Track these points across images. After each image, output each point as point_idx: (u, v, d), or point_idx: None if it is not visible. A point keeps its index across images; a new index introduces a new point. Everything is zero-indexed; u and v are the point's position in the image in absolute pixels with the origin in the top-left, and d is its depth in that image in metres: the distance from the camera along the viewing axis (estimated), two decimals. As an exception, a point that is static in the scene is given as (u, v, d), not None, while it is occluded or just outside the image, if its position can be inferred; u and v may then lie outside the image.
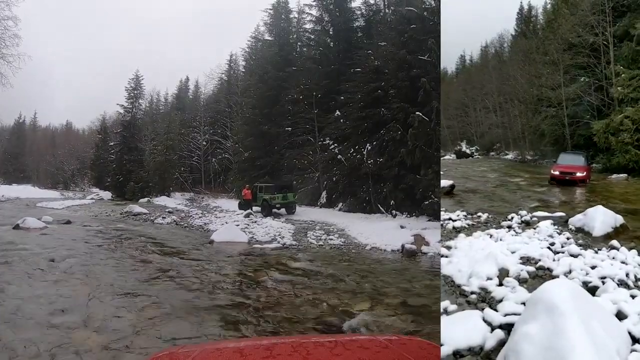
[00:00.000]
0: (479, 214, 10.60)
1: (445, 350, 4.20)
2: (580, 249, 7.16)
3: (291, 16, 34.20)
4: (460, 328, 4.52)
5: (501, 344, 4.18)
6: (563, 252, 7.12)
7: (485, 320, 4.71)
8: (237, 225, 19.06)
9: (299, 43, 33.49)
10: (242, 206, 24.12)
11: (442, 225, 9.93)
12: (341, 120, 24.05)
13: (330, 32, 29.93)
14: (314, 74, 27.80)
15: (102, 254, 13.07)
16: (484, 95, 38.52)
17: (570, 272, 6.21)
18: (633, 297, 5.20)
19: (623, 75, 17.99)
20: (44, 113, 60.64)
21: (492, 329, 4.57)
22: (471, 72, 45.42)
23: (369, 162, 20.73)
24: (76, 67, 66.03)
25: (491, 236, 8.28)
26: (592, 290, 5.36)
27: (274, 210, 22.66)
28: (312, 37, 31.39)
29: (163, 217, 22.85)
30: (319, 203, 23.95)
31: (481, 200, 13.52)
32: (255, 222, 20.03)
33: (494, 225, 9.45)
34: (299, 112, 26.32)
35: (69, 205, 30.92)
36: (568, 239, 7.90)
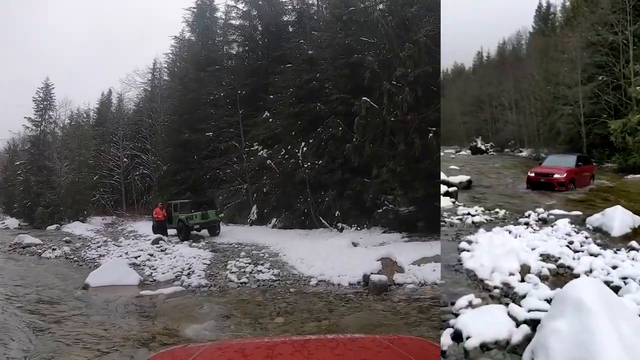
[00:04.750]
0: (497, 210, 10.22)
1: (472, 342, 4.00)
2: (600, 249, 6.77)
3: (217, 15, 29.00)
4: (486, 321, 4.27)
5: (527, 339, 3.91)
6: (582, 251, 6.76)
7: (510, 315, 4.47)
8: (139, 256, 13.80)
9: (225, 46, 28.25)
10: (156, 229, 18.50)
11: (460, 220, 9.44)
12: (270, 120, 19.17)
13: (259, 28, 25.18)
14: (238, 70, 22.82)
15: None
16: (500, 92, 36.73)
17: (591, 271, 5.84)
18: (655, 299, 4.94)
19: None
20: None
21: (517, 324, 4.29)
22: (488, 68, 43.63)
23: (305, 166, 15.91)
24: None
25: (510, 232, 7.95)
26: (614, 290, 4.73)
27: (194, 232, 17.33)
28: (239, 32, 26.25)
29: (53, 249, 17.27)
30: (249, 220, 18.70)
31: (497, 196, 12.79)
32: (164, 250, 14.69)
33: (512, 222, 9.06)
34: (223, 116, 21.08)
35: (-43, 240, 24.72)
36: (586, 237, 7.50)
